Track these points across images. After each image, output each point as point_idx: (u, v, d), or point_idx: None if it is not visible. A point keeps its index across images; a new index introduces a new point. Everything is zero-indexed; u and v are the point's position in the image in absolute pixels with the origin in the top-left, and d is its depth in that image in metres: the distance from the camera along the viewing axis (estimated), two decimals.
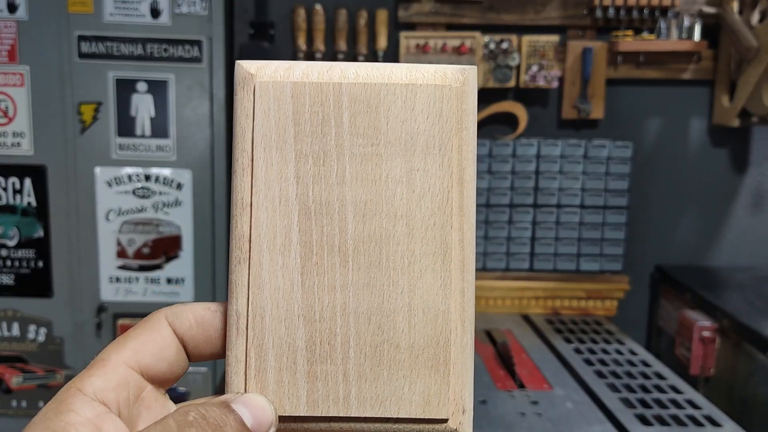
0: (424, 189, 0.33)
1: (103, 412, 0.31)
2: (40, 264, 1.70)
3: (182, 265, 1.72)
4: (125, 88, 1.66)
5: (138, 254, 1.70)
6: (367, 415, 0.32)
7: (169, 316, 0.34)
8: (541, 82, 1.79)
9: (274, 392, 0.32)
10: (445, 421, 0.33)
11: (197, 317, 0.34)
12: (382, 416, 0.32)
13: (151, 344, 0.33)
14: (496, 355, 1.49)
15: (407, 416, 0.32)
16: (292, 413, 0.32)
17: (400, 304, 0.33)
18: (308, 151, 0.33)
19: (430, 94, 0.33)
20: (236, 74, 0.33)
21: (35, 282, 1.70)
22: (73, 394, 0.31)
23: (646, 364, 1.46)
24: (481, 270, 1.83)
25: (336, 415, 0.32)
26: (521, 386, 1.33)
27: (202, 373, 1.72)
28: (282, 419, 0.32)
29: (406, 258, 0.33)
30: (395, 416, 0.32)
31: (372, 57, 1.80)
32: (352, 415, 0.32)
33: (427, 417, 0.32)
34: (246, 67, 0.33)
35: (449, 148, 0.33)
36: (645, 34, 1.78)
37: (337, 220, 0.33)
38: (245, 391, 0.33)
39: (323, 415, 0.32)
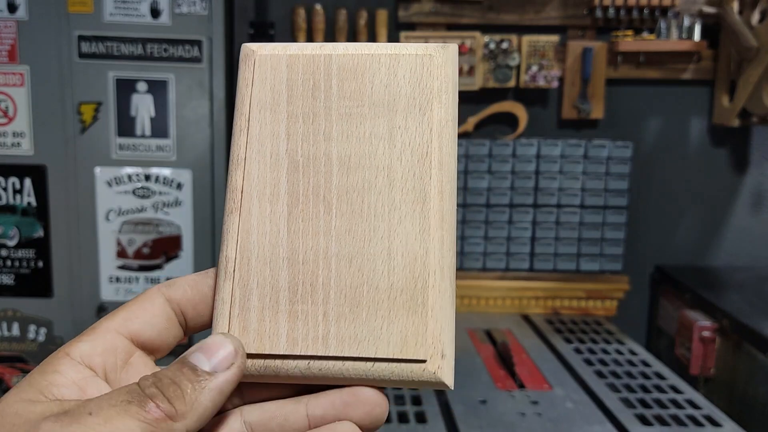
0: (404, 144, 0.35)
1: (89, 375, 0.31)
2: (40, 264, 1.70)
3: (182, 265, 1.72)
4: (125, 88, 1.66)
5: (138, 254, 1.70)
6: (345, 355, 0.33)
7: (162, 287, 0.35)
8: (541, 82, 1.79)
9: (255, 330, 0.33)
10: (423, 362, 0.33)
11: (190, 282, 0.35)
12: (360, 356, 0.33)
13: (141, 312, 0.34)
14: (496, 355, 1.49)
15: (384, 356, 0.33)
16: (272, 351, 0.33)
17: (380, 249, 0.34)
18: (299, 112, 0.35)
19: (412, 62, 0.36)
20: (241, 53, 0.37)
21: (35, 282, 1.70)
22: (60, 357, 0.32)
23: (646, 364, 1.46)
24: (481, 270, 1.83)
25: (314, 353, 0.33)
26: (521, 386, 1.33)
27: None
28: (262, 357, 0.33)
29: (386, 206, 0.34)
30: (373, 356, 0.33)
31: None
32: (330, 354, 0.33)
33: (404, 357, 0.33)
34: (249, 46, 0.37)
35: (429, 109, 0.35)
36: (645, 34, 1.78)
37: (322, 173, 0.35)
38: (228, 331, 0.33)
39: (302, 353, 0.33)
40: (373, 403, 0.33)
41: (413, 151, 0.35)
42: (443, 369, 0.33)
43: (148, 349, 0.34)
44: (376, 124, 0.35)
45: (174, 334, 0.35)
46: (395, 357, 0.33)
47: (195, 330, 0.36)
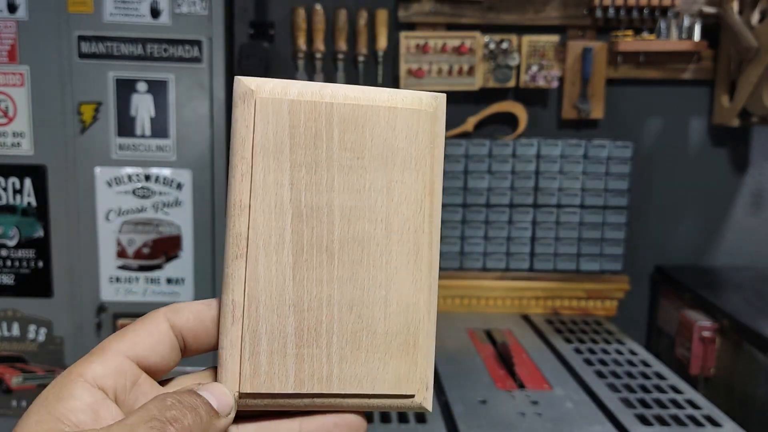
0: (401, 198, 0.37)
1: (101, 398, 0.33)
2: (40, 264, 1.70)
3: (182, 265, 1.72)
4: (125, 88, 1.66)
5: (138, 254, 1.70)
6: (347, 392, 0.37)
7: (167, 313, 0.37)
8: (541, 82, 1.79)
9: (265, 373, 0.36)
10: (412, 396, 0.38)
11: (194, 311, 0.37)
12: (360, 393, 0.37)
13: (148, 337, 0.36)
14: (496, 355, 1.49)
15: (381, 393, 0.37)
16: (281, 391, 0.36)
17: (377, 297, 0.37)
18: (302, 161, 0.37)
19: (408, 116, 0.38)
20: (236, 89, 0.37)
21: (35, 282, 1.70)
22: (73, 380, 0.33)
23: (646, 364, 1.46)
24: (481, 270, 1.83)
25: (320, 392, 0.36)
26: (521, 386, 1.33)
27: None
28: (272, 396, 0.36)
29: (384, 257, 0.37)
30: (371, 393, 0.37)
31: (372, 57, 1.80)
32: (334, 392, 0.37)
33: (397, 393, 0.37)
34: (246, 83, 0.37)
35: (423, 164, 0.38)
36: (645, 34, 1.78)
37: (325, 223, 0.37)
38: (239, 372, 0.36)
39: (308, 392, 0.36)
40: (357, 426, 0.37)
41: (409, 204, 0.37)
42: (427, 399, 0.38)
43: (151, 372, 0.36)
44: (375, 178, 0.37)
45: (174, 359, 0.37)
46: (390, 393, 0.37)
47: (191, 355, 0.38)
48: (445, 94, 0.39)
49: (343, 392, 0.36)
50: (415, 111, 0.38)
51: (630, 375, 1.40)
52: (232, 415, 0.35)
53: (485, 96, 1.82)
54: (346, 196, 0.37)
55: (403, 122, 0.37)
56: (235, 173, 0.36)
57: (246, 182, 0.36)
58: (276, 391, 0.36)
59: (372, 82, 1.80)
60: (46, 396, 0.32)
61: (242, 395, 0.36)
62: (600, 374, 1.39)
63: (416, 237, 0.37)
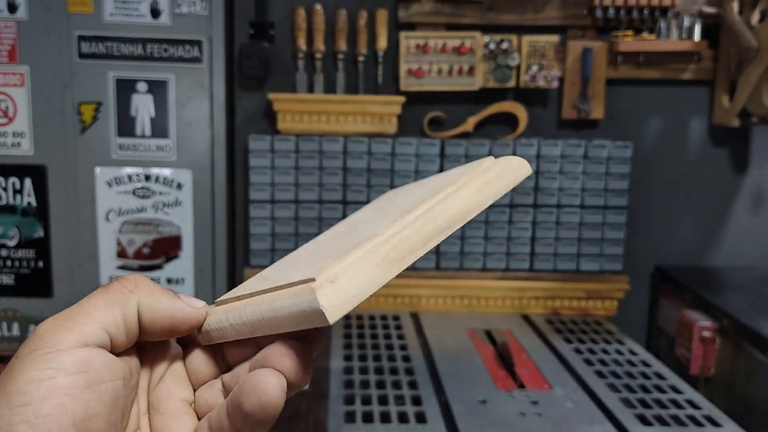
0: (417, 196, 0.44)
1: None
2: (40, 264, 1.70)
3: (182, 265, 1.72)
4: (125, 88, 1.66)
5: (138, 254, 1.70)
6: (271, 287, 0.38)
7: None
8: (541, 82, 1.79)
9: (241, 287, 0.44)
10: (312, 280, 0.35)
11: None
12: (280, 284, 0.37)
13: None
14: (496, 355, 1.49)
15: (293, 281, 0.36)
16: (238, 294, 0.42)
17: (357, 237, 0.40)
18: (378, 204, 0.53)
19: (475, 163, 0.46)
20: None
21: (35, 282, 1.70)
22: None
23: (646, 364, 1.46)
24: (481, 270, 1.83)
25: (255, 290, 0.40)
26: (521, 386, 1.33)
27: None
28: (231, 300, 0.41)
29: (372, 225, 0.43)
30: (287, 282, 0.37)
31: (372, 57, 1.80)
32: (264, 288, 0.39)
33: (303, 279, 0.35)
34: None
35: (452, 184, 0.42)
36: (645, 34, 1.78)
37: (362, 218, 0.50)
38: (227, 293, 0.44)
39: (246, 293, 0.40)
40: (289, 351, 0.37)
41: (411, 206, 0.42)
42: (328, 296, 0.34)
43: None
44: (415, 197, 0.45)
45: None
46: (298, 281, 0.36)
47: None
48: (521, 159, 0.45)
49: (269, 287, 0.38)
50: (482, 160, 0.45)
51: (630, 375, 1.39)
52: (203, 312, 0.41)
53: (485, 96, 1.82)
54: (384, 204, 0.48)
55: (468, 166, 0.46)
56: None
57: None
58: (235, 295, 0.41)
59: (372, 82, 1.80)
60: None
61: (217, 303, 0.42)
62: (600, 374, 1.39)
63: (401, 215, 0.41)
